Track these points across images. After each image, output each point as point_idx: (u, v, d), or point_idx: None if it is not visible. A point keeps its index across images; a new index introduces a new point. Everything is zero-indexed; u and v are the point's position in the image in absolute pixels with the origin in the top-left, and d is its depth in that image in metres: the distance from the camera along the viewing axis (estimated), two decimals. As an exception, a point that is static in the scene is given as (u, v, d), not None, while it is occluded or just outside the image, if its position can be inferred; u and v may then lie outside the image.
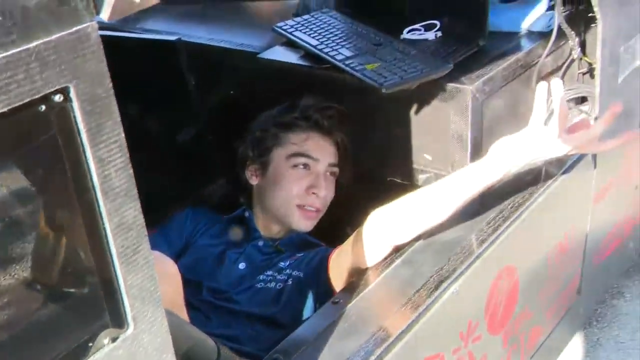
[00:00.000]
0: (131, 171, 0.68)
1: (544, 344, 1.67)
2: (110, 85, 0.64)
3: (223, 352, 1.00)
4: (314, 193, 1.51)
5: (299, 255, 1.47)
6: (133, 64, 1.62)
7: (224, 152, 1.70)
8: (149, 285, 0.70)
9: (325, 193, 1.52)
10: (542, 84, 1.29)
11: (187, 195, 1.82)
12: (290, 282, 1.41)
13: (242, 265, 1.48)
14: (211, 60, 1.75)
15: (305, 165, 1.52)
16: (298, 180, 1.51)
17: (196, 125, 1.78)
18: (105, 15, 0.57)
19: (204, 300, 1.36)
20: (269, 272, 1.44)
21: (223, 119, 1.79)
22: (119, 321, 0.68)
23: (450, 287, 1.26)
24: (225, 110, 1.79)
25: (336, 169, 1.56)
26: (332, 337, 1.12)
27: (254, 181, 1.59)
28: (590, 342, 2.11)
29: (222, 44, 1.75)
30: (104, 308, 0.67)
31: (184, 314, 1.07)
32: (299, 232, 1.55)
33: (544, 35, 1.62)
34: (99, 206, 0.65)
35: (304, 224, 1.53)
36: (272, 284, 1.42)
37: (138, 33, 1.82)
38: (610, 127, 1.31)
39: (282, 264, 1.46)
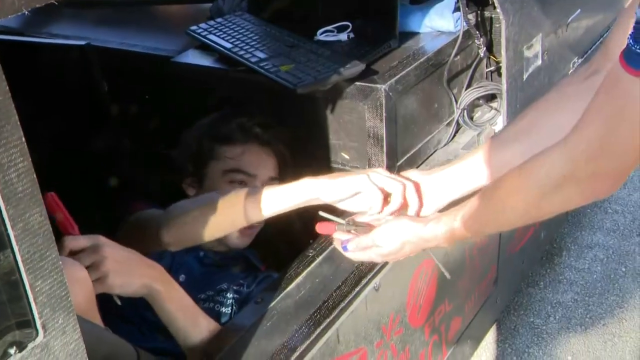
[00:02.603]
0: (34, 176, 0.66)
1: (465, 334, 1.72)
2: (7, 88, 0.62)
3: (143, 357, 0.98)
4: None
5: (242, 282, 1.43)
6: (41, 70, 1.57)
7: (141, 158, 1.67)
8: (59, 291, 0.68)
9: None
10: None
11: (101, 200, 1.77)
12: (228, 311, 1.38)
13: (182, 278, 1.42)
14: (123, 65, 1.72)
15: (242, 182, 1.48)
16: None
17: (111, 131, 1.74)
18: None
19: (139, 314, 1.30)
20: (209, 292, 1.40)
21: (139, 124, 1.76)
22: (27, 329, 0.66)
23: (370, 283, 1.28)
24: (141, 115, 1.76)
25: (276, 182, 1.50)
26: (255, 337, 1.13)
27: (190, 192, 1.53)
28: (508, 329, 2.20)
29: (134, 49, 1.72)
30: (10, 317, 0.65)
31: (97, 320, 1.05)
32: (238, 249, 1.54)
33: (452, 35, 1.67)
34: (0, 212, 0.63)
35: (239, 240, 1.48)
36: (210, 304, 1.38)
37: (45, 38, 1.77)
38: None
39: (222, 285, 1.42)
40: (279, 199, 1.23)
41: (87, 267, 1.04)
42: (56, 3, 0.65)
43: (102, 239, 1.09)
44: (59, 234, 1.07)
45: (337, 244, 1.26)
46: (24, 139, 0.64)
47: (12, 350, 0.64)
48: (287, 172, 1.57)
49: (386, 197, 1.21)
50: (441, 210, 1.23)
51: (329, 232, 1.29)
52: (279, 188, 1.24)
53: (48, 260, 0.68)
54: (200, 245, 1.48)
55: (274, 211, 1.24)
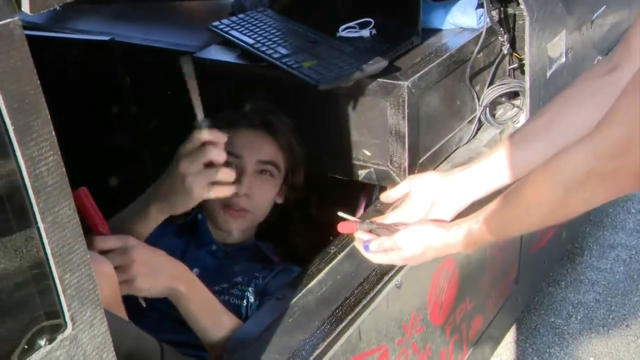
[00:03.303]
0: (63, 169, 0.66)
1: (485, 333, 1.71)
2: (38, 82, 0.63)
3: (167, 352, 0.98)
4: (236, 191, 1.44)
5: (257, 275, 1.44)
6: (65, 65, 1.59)
7: (162, 152, 1.68)
8: (87, 284, 0.69)
9: (247, 191, 1.46)
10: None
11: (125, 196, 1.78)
12: (245, 304, 1.39)
13: (195, 271, 1.42)
14: (146, 60, 1.73)
15: (228, 163, 1.47)
16: None
17: (132, 126, 1.76)
18: (25, 7, 0.55)
19: (157, 308, 1.31)
20: (224, 285, 1.41)
21: (160, 120, 1.77)
22: (56, 322, 0.66)
23: (392, 280, 1.28)
24: (162, 110, 1.77)
25: (270, 167, 1.51)
26: (277, 333, 1.13)
27: None
28: (528, 329, 2.18)
29: (157, 44, 1.73)
30: (40, 309, 0.65)
31: (122, 314, 1.05)
32: (250, 240, 1.53)
33: (475, 32, 1.66)
34: (31, 205, 0.63)
35: (229, 224, 1.48)
36: (225, 297, 1.39)
37: (69, 33, 1.78)
38: None
39: (237, 279, 1.42)
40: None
41: (115, 268, 1.05)
42: (86, -2, 0.65)
43: (131, 241, 1.10)
44: (87, 228, 1.08)
45: (358, 244, 1.26)
46: (53, 132, 0.65)
47: (42, 342, 0.65)
48: (293, 163, 1.56)
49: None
50: (462, 213, 1.22)
51: (351, 231, 1.28)
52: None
53: (76, 253, 0.68)
54: (213, 239, 1.49)
55: None
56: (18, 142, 0.61)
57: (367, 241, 1.23)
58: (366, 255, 1.24)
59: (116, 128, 1.76)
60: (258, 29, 1.66)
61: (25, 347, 0.64)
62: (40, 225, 0.64)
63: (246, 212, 1.48)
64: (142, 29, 1.81)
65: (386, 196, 1.35)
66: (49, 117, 0.64)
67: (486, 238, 1.07)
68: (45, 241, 0.65)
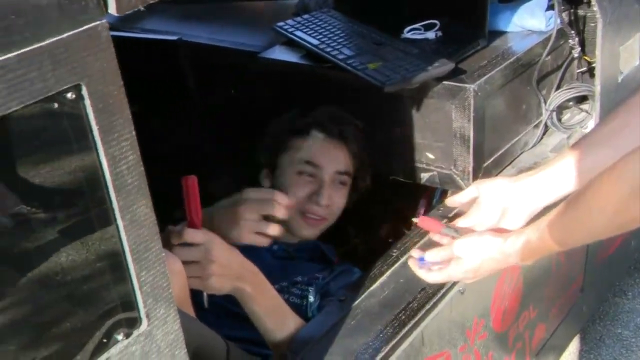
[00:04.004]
0: (142, 168, 0.68)
1: (549, 342, 1.68)
2: (121, 83, 0.64)
3: (232, 350, 0.99)
4: (315, 201, 1.49)
5: (318, 275, 1.45)
6: (133, 64, 1.62)
7: (225, 151, 1.70)
8: (162, 282, 0.70)
9: (328, 202, 1.49)
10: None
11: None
12: (304, 304, 1.40)
13: None
14: (212, 60, 1.75)
15: (310, 174, 1.50)
16: (301, 187, 1.49)
17: (197, 125, 1.78)
18: (112, 8, 0.56)
19: (217, 303, 1.34)
20: (284, 283, 1.42)
21: (224, 118, 1.79)
22: (133, 318, 0.68)
23: (455, 285, 1.26)
24: (226, 109, 1.79)
25: (345, 178, 1.53)
26: (339, 335, 1.13)
27: (266, 184, 1.57)
28: (593, 339, 2.12)
29: (222, 44, 1.75)
30: (118, 305, 0.67)
31: (190, 311, 1.07)
32: (311, 240, 1.54)
33: (543, 35, 1.62)
34: (111, 203, 0.65)
35: (307, 231, 1.51)
36: (285, 295, 1.40)
37: (138, 33, 1.82)
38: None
39: (298, 278, 1.44)
40: None
41: (191, 262, 1.07)
42: None
43: (215, 239, 1.12)
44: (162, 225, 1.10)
45: (412, 263, 1.22)
46: (134, 132, 0.66)
47: (119, 337, 0.67)
48: (362, 169, 1.57)
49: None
50: (534, 219, 1.18)
51: (432, 229, 1.27)
52: None
53: (152, 251, 0.70)
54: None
55: None
56: (101, 141, 0.63)
57: (422, 255, 1.19)
58: (420, 274, 1.20)
59: (181, 127, 1.79)
60: (322, 30, 1.67)
61: (104, 341, 0.65)
62: (120, 223, 0.66)
63: (324, 220, 1.52)
64: (208, 29, 1.84)
65: (452, 200, 1.33)
66: (130, 117, 0.65)
67: (546, 247, 1.02)
68: (124, 239, 0.66)
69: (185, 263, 1.07)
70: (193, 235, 1.09)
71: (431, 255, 1.19)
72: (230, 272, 1.12)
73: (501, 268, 1.16)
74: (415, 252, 1.22)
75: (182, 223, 1.13)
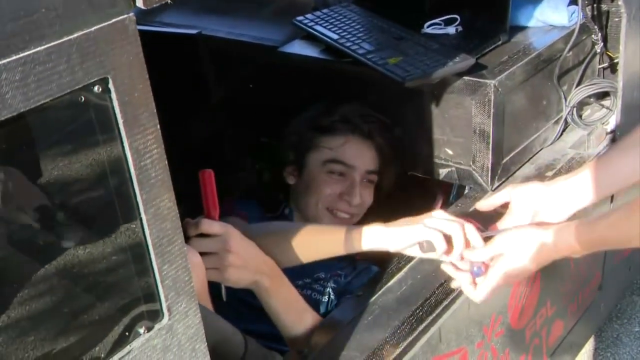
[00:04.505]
0: (166, 162, 0.68)
1: (566, 339, 1.67)
2: (147, 76, 0.65)
3: (250, 345, 1.00)
4: (346, 200, 1.49)
5: (340, 272, 1.45)
6: (153, 58, 1.62)
7: (243, 145, 1.70)
8: (183, 276, 0.71)
9: (359, 201, 1.49)
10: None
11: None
12: (325, 300, 1.40)
13: None
14: (231, 54, 1.75)
15: (341, 172, 1.50)
16: (332, 186, 1.49)
17: (215, 119, 1.78)
18: (140, 2, 0.57)
19: (237, 297, 1.35)
20: (306, 280, 1.43)
21: (244, 113, 1.79)
22: (154, 311, 0.68)
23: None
24: (245, 103, 1.79)
25: (374, 176, 1.53)
26: (356, 330, 1.13)
27: (291, 180, 1.57)
28: (610, 337, 2.10)
29: (242, 38, 1.75)
30: (140, 298, 0.67)
31: (208, 305, 1.07)
32: None
33: (565, 30, 1.61)
34: (135, 197, 0.65)
35: None
36: (307, 292, 1.41)
37: (157, 27, 1.82)
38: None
39: (320, 274, 1.44)
40: (350, 241, 1.19)
41: (208, 253, 1.07)
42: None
43: (233, 231, 1.11)
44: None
45: (460, 280, 1.15)
46: (158, 126, 0.67)
47: (141, 330, 0.67)
48: (387, 167, 1.56)
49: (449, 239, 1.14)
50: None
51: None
52: (353, 230, 1.20)
53: (175, 245, 0.70)
54: None
55: (342, 252, 1.21)
56: (126, 135, 0.63)
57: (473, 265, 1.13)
58: (469, 292, 1.14)
59: (199, 121, 1.79)
60: (342, 24, 1.66)
61: (127, 334, 0.66)
62: (143, 216, 0.66)
63: (354, 217, 1.52)
64: (227, 23, 1.83)
65: (483, 204, 1.30)
66: (155, 110, 0.66)
67: (607, 243, 1.02)
68: (147, 232, 0.67)
69: (202, 255, 1.07)
70: (210, 225, 1.09)
71: (474, 255, 1.13)
72: (248, 264, 1.12)
73: (548, 261, 1.12)
74: (463, 264, 1.15)
75: (200, 216, 1.13)
